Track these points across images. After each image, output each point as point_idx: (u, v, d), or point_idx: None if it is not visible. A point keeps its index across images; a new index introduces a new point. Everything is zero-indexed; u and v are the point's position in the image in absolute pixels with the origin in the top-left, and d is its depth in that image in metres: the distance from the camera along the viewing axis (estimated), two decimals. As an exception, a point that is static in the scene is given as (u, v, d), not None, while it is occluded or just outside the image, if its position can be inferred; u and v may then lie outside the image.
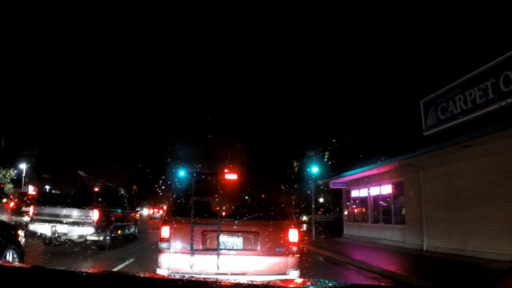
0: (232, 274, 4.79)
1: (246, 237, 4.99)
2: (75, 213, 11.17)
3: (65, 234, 10.97)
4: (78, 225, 11.00)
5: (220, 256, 4.87)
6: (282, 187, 5.78)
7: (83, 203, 12.10)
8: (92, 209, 11.21)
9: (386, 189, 15.75)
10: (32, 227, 10.90)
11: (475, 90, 9.77)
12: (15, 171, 39.44)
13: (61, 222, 10.96)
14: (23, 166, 42.91)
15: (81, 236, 11.12)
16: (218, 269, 4.82)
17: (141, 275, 2.29)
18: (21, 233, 6.61)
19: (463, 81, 10.30)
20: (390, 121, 15.96)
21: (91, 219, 11.03)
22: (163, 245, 4.91)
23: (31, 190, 31.82)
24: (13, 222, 11.56)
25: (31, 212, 11.32)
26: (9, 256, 5.91)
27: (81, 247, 11.50)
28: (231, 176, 5.46)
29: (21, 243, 6.41)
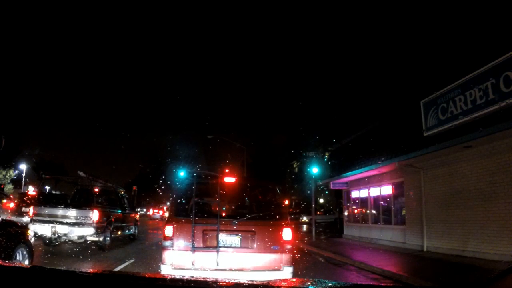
0: (230, 270, 5.12)
1: (243, 235, 5.30)
2: (75, 213, 11.16)
3: (65, 234, 10.97)
4: (78, 226, 10.99)
5: (219, 253, 5.17)
6: (278, 189, 6.07)
7: (83, 203, 12.09)
8: (92, 209, 11.20)
9: (386, 190, 15.74)
10: (32, 227, 10.86)
11: (475, 90, 9.75)
12: (15, 171, 39.42)
13: (61, 223, 10.95)
14: (23, 166, 42.93)
15: (81, 237, 11.11)
16: (217, 265, 5.12)
17: (141, 275, 2.29)
18: (30, 232, 6.84)
19: (463, 82, 10.29)
20: (390, 122, 15.93)
21: (91, 219, 11.01)
22: (167, 243, 5.25)
23: (31, 190, 31.86)
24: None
25: (31, 213, 11.31)
26: (20, 255, 6.07)
27: (81, 247, 11.49)
28: (230, 179, 5.77)
29: (31, 242, 6.62)
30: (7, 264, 2.47)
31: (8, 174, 37.40)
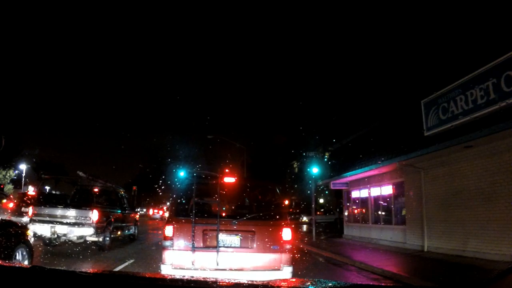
0: (230, 270, 5.13)
1: (243, 235, 5.32)
2: (74, 213, 11.14)
3: (64, 234, 10.95)
4: (78, 226, 10.97)
5: (219, 253, 5.18)
6: (277, 189, 6.12)
7: (83, 203, 12.07)
8: (91, 209, 11.18)
9: (387, 190, 15.73)
10: (32, 227, 10.85)
11: (476, 90, 9.74)
12: (15, 171, 39.42)
13: (60, 223, 10.93)
14: (23, 166, 42.93)
15: (80, 237, 11.10)
16: (217, 265, 5.14)
17: (141, 275, 2.28)
18: (30, 232, 6.86)
19: (464, 81, 10.28)
20: (391, 122, 15.92)
21: (90, 219, 11.00)
22: (167, 243, 5.26)
23: (31, 190, 31.81)
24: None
25: (30, 213, 11.29)
26: (20, 255, 6.10)
27: (81, 247, 11.49)
28: (230, 179, 5.80)
29: (31, 242, 6.64)
30: (7, 264, 2.46)
31: (8, 174, 37.41)
